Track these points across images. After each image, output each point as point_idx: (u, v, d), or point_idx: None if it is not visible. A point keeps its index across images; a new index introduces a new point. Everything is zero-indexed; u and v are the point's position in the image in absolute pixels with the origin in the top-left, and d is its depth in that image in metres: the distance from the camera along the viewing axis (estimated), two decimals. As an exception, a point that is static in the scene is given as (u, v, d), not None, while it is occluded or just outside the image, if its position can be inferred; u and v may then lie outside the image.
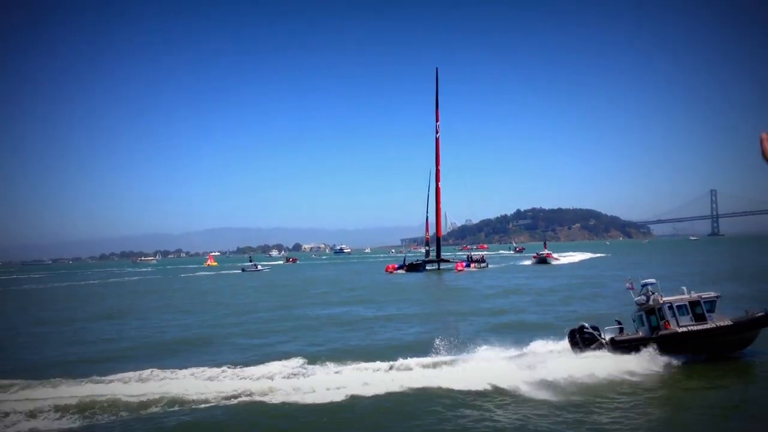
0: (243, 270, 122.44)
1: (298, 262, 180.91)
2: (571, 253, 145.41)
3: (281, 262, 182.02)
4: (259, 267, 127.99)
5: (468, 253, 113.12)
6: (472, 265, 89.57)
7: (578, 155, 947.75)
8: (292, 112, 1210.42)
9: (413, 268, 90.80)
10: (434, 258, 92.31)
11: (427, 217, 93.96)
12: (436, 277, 79.92)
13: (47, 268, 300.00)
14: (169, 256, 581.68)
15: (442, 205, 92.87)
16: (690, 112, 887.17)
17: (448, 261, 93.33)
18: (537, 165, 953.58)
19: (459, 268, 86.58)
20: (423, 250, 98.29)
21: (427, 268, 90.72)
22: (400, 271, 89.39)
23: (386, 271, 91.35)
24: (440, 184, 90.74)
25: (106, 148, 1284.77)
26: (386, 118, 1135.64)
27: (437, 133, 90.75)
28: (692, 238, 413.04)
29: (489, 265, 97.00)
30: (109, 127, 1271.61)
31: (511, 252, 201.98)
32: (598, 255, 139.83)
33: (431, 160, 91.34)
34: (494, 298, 48.13)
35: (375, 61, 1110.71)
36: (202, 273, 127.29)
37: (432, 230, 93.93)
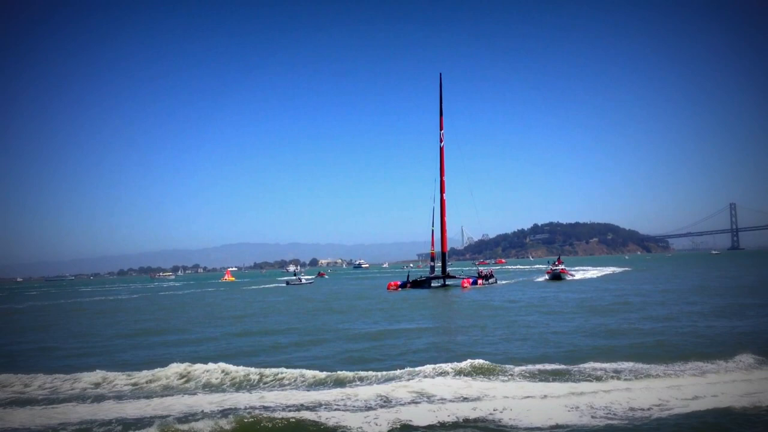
0: (288, 283, 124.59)
1: (326, 276, 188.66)
2: (589, 268, 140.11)
3: (314, 276, 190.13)
4: (303, 280, 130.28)
5: (478, 269, 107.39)
6: (479, 281, 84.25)
7: (595, 169, 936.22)
8: (307, 125, 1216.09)
9: (417, 284, 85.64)
10: (440, 274, 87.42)
11: (432, 231, 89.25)
12: (447, 294, 72.31)
13: (76, 284, 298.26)
14: (187, 271, 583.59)
15: (451, 218, 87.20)
16: (709, 126, 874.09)
17: (454, 277, 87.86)
18: (553, 179, 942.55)
19: (464, 285, 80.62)
20: (436, 265, 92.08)
21: (432, 284, 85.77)
22: (402, 289, 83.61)
23: (388, 289, 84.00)
24: (445, 196, 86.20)
25: (122, 165, 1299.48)
26: (402, 135, 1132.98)
27: (441, 141, 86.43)
28: (714, 252, 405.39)
29: (498, 281, 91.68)
30: (119, 141, 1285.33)
31: (550, 265, 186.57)
32: (623, 269, 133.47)
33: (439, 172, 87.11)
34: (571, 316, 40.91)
35: (391, 67, 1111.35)
36: (251, 287, 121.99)
37: (438, 245, 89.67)
